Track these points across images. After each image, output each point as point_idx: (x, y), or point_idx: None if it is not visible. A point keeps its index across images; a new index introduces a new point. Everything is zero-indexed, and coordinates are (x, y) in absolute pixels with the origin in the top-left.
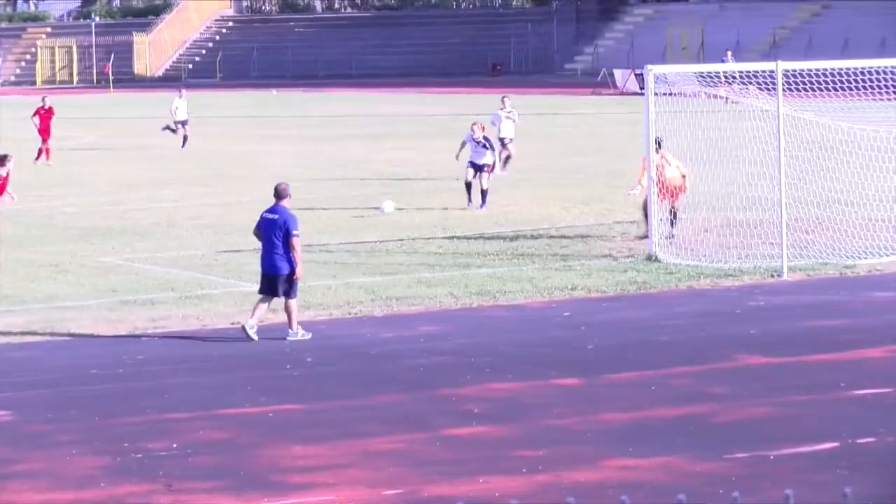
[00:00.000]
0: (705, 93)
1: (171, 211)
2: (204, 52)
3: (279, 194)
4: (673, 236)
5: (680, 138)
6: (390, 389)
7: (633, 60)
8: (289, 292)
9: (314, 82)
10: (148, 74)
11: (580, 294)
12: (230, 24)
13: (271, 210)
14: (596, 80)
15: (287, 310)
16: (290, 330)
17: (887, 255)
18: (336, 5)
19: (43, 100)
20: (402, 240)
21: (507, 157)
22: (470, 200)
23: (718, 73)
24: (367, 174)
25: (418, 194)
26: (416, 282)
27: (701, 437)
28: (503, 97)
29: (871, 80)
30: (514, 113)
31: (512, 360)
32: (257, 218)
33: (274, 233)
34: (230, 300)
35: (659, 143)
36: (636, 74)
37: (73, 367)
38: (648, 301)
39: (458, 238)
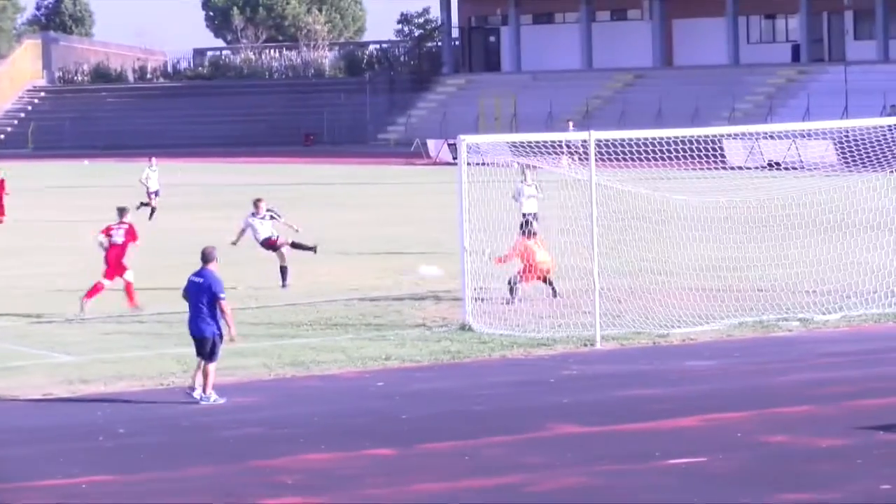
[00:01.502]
0: (518, 162)
1: None
2: (16, 122)
3: (205, 258)
4: (555, 294)
5: (492, 208)
6: (202, 461)
7: (446, 130)
8: (210, 356)
9: (127, 152)
10: None
11: (394, 364)
12: (42, 94)
13: (197, 274)
14: (409, 150)
15: (204, 372)
16: (203, 394)
17: (700, 325)
18: (148, 75)
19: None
20: None
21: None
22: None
23: (531, 142)
24: (178, 244)
25: (231, 264)
26: (228, 352)
27: None
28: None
29: (683, 150)
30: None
31: (325, 431)
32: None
33: (199, 296)
34: (43, 372)
35: (532, 230)
36: (449, 144)
37: None
38: (462, 371)
39: (272, 308)
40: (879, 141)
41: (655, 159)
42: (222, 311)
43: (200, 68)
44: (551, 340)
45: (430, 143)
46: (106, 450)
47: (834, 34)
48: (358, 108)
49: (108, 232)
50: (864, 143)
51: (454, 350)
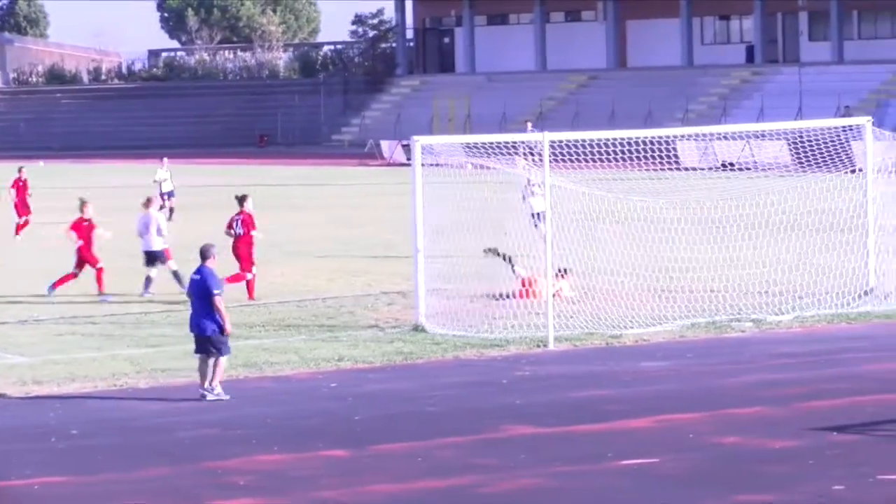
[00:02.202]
0: (472, 163)
1: None
2: None
3: (203, 255)
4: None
5: (446, 209)
6: (156, 462)
7: (400, 131)
8: (218, 351)
9: (83, 153)
10: None
11: (347, 365)
12: None
13: (196, 271)
14: (363, 151)
15: (214, 366)
16: (210, 385)
17: (653, 325)
18: (103, 76)
19: (20, 170)
20: (168, 311)
21: None
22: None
23: (485, 143)
24: (134, 246)
25: (187, 265)
26: (182, 354)
27: None
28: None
29: (637, 151)
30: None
31: (278, 432)
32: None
33: (199, 293)
34: None
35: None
36: (403, 145)
37: None
38: (415, 372)
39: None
40: (833, 142)
41: (609, 160)
42: (216, 307)
43: (155, 69)
44: (504, 341)
45: (384, 144)
46: (59, 451)
47: (788, 35)
48: (312, 109)
49: (230, 226)
50: (818, 144)
51: (407, 351)
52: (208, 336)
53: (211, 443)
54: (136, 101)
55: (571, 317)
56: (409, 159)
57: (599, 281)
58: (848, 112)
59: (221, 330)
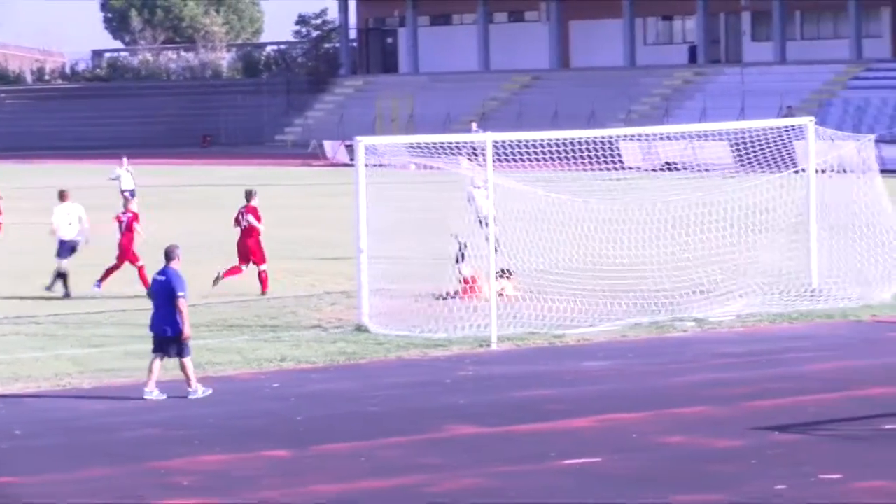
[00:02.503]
0: (415, 164)
1: None
2: None
3: (168, 256)
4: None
5: (389, 209)
6: (99, 463)
7: (343, 131)
8: (181, 352)
9: (26, 154)
10: None
11: (289, 365)
12: None
13: (160, 272)
14: (306, 151)
15: (183, 369)
16: (188, 388)
17: (595, 325)
18: (46, 77)
19: None
20: (111, 312)
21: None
22: (67, 292)
23: (428, 144)
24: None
25: (129, 266)
26: (125, 354)
27: None
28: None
29: (580, 151)
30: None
31: (221, 432)
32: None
33: (161, 294)
34: None
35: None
36: (346, 145)
37: None
38: (358, 372)
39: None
40: (776, 141)
41: (552, 160)
42: (178, 309)
43: (98, 70)
44: (447, 341)
45: (327, 145)
46: (2, 451)
47: (731, 36)
48: (255, 110)
49: (237, 220)
50: (760, 144)
51: (350, 351)
52: (169, 337)
53: (154, 443)
54: (80, 102)
55: (514, 317)
56: (352, 159)
57: (542, 280)
58: (790, 112)
59: (181, 331)
